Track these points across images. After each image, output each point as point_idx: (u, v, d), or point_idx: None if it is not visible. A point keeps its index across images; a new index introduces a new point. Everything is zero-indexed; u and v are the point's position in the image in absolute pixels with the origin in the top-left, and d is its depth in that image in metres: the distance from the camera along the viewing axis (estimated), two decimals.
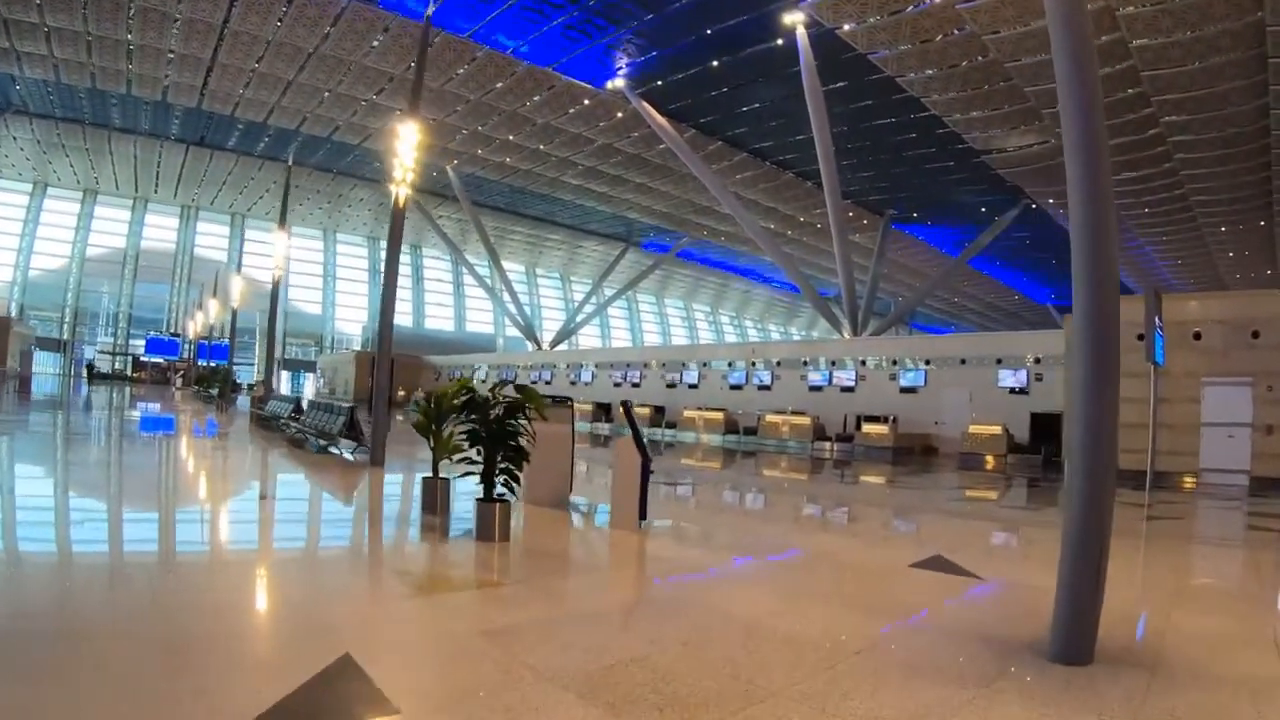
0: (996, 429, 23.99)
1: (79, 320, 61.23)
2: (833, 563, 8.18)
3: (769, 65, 30.38)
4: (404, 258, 70.05)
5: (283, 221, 31.28)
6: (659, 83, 32.93)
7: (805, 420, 28.67)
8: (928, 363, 29.44)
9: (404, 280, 72.05)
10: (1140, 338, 14.97)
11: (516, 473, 7.96)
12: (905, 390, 29.78)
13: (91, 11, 30.04)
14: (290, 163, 37.55)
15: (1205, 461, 17.90)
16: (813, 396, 32.37)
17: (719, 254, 65.60)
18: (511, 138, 40.48)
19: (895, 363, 30.49)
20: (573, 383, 45.56)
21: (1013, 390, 26.55)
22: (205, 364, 56.11)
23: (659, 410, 35.73)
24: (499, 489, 7.96)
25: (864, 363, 31.39)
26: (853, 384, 31.46)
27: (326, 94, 37.36)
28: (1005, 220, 42.79)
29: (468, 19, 29.68)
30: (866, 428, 26.81)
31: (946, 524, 11.83)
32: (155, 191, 59.11)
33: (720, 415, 32.17)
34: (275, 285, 30.61)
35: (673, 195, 47.58)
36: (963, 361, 28.39)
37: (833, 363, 32.45)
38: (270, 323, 31.64)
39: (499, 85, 34.38)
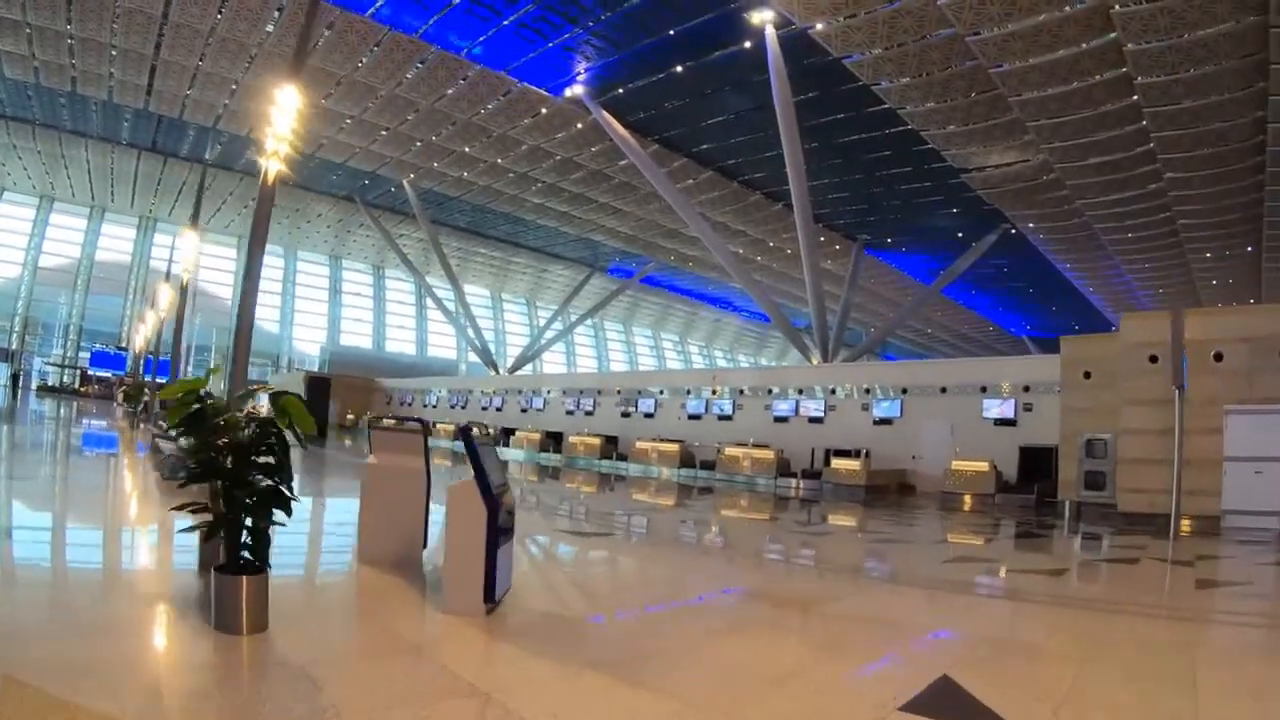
0: (983, 465, 21.68)
1: (29, 330, 58.92)
2: (776, 710, 4.47)
3: (736, 72, 28.51)
4: (364, 278, 68.81)
5: (195, 221, 29.09)
6: (620, 91, 31.00)
7: (768, 454, 26.17)
8: (904, 391, 26.97)
9: (364, 301, 71.50)
10: (1154, 359, 12.69)
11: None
12: (879, 422, 27.29)
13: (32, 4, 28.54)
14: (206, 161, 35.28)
15: (1229, 502, 15.44)
16: (778, 428, 30.00)
17: (688, 281, 63.58)
18: (468, 149, 38.49)
19: (868, 391, 28.03)
20: (524, 410, 43.02)
21: (999, 422, 24.17)
22: (150, 379, 52.78)
23: (610, 441, 33.30)
24: (277, 548, 5.35)
25: (834, 391, 28.96)
26: (821, 414, 29.05)
27: (313, 109, 34.86)
28: (983, 245, 40.93)
29: (418, 16, 27.72)
30: (836, 463, 24.20)
31: (946, 606, 8.06)
32: (112, 200, 57.14)
33: (676, 447, 29.61)
34: (184, 289, 28.35)
35: (637, 216, 45.60)
36: (943, 390, 25.99)
37: (800, 391, 30.05)
38: (176, 334, 29.33)
39: (450, 91, 32.41)
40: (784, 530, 14.58)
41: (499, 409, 45.11)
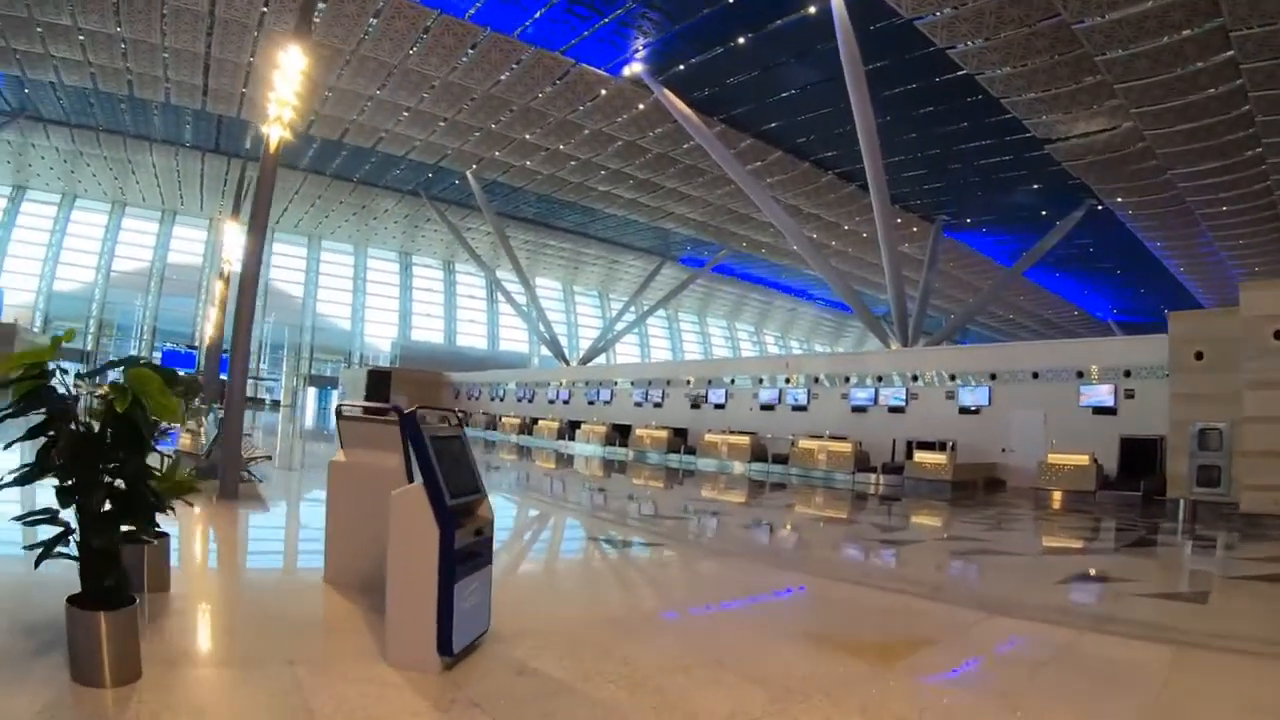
0: (1083, 459, 19.57)
1: (103, 331, 59.76)
2: None
3: (802, 40, 26.61)
4: (435, 274, 68.51)
5: (236, 211, 28.61)
6: (681, 67, 29.40)
7: (846, 447, 24.44)
8: (992, 377, 24.89)
9: (435, 296, 71.56)
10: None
11: (115, 543, 3.89)
12: (965, 411, 25.26)
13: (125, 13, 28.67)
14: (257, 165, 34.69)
15: None
16: (855, 419, 28.14)
17: (761, 269, 61.74)
18: (528, 137, 37.37)
19: (953, 378, 25.93)
20: (591, 402, 41.87)
21: (1097, 410, 22.09)
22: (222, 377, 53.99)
23: (679, 433, 31.88)
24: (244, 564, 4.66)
25: (915, 378, 27.04)
26: (902, 403, 27.09)
27: (368, 103, 35.29)
28: (1068, 224, 38.25)
29: None
30: (919, 456, 22.30)
31: (1078, 659, 5.61)
32: (181, 203, 57.94)
33: (747, 440, 27.91)
34: (226, 280, 27.99)
35: (706, 201, 44.00)
36: (1035, 375, 23.86)
37: (879, 378, 28.12)
38: (240, 328, 28.75)
39: (505, 75, 31.29)
40: (863, 537, 12.58)
41: (566, 401, 44.05)
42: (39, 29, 30.52)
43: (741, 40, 26.87)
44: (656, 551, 9.74)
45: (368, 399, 42.12)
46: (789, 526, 13.52)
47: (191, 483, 4.89)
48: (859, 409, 28.32)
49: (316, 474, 15.41)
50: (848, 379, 29.13)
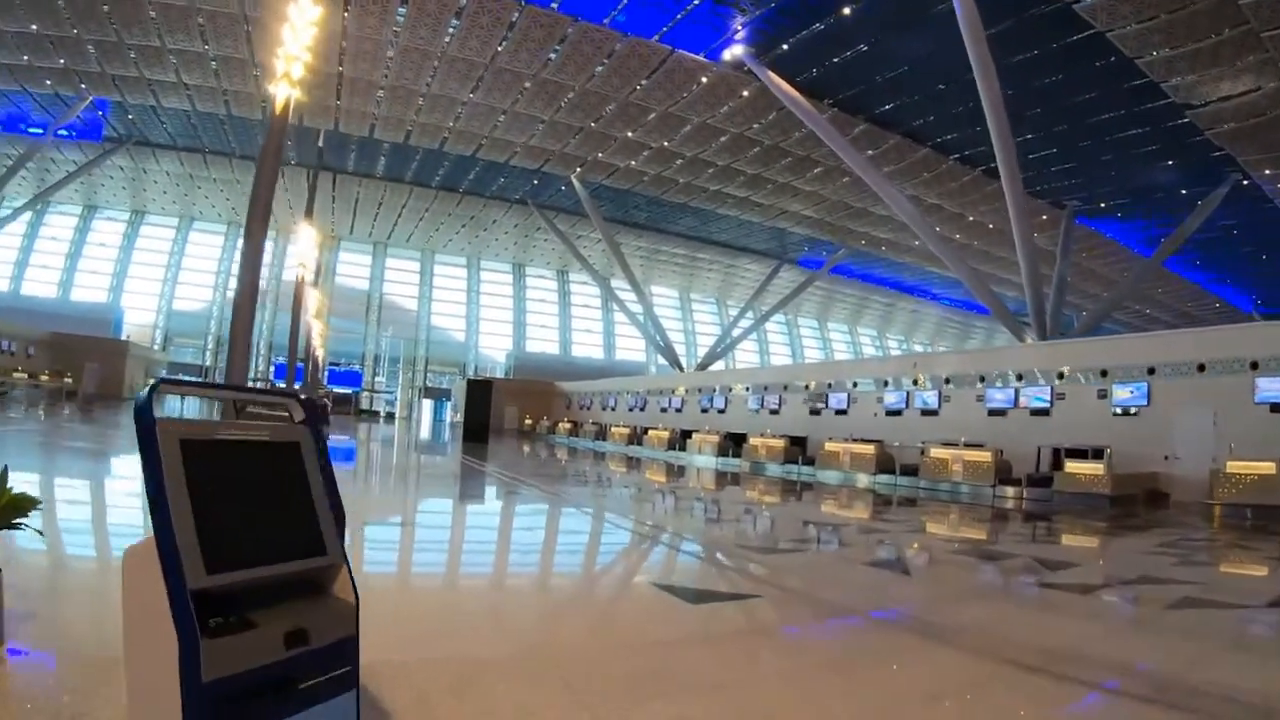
0: (1268, 467, 16.53)
1: (220, 347, 61.22)
2: None
3: (913, 4, 24.01)
4: (549, 284, 67.81)
5: (309, 213, 27.83)
6: (784, 47, 27.16)
7: (984, 456, 21.56)
8: (1150, 372, 21.75)
9: (550, 307, 70.97)
10: None
11: None
12: (1121, 412, 22.23)
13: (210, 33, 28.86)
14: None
15: None
16: (993, 423, 25.09)
17: (882, 269, 58.39)
18: (630, 134, 35.69)
19: (1104, 374, 22.70)
20: (704, 410, 39.70)
21: (1276, 408, 18.91)
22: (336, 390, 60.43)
23: (797, 442, 29.41)
24: None
25: (1061, 376, 23.99)
26: (1046, 404, 23.94)
27: (463, 105, 34.25)
28: (1211, 203, 33.91)
29: None
30: (1071, 466, 19.31)
31: None
32: (294, 221, 57.73)
33: (871, 449, 25.05)
34: (299, 285, 27.14)
35: (820, 196, 41.39)
36: (1200, 368, 20.68)
37: (1019, 377, 25.01)
38: (293, 333, 28.11)
39: (599, 69, 29.69)
40: (1027, 581, 8.87)
41: (678, 410, 42.07)
42: (131, 53, 30.40)
43: (847, 10, 24.41)
44: (743, 611, 6.58)
45: (468, 413, 40.91)
46: (925, 558, 10.51)
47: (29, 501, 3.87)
48: (997, 412, 25.30)
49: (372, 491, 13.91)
50: (982, 379, 26.14)
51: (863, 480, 24.27)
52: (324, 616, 2.84)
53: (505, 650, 4.81)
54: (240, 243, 44.13)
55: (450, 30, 28.05)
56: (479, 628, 5.43)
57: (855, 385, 31.14)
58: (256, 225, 9.59)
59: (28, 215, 55.87)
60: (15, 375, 40.63)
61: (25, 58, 31.73)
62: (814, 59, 27.62)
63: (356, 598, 2.99)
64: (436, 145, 39.47)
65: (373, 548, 8.80)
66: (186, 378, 4.13)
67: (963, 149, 33.58)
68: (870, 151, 32.86)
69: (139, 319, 60.25)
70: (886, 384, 29.62)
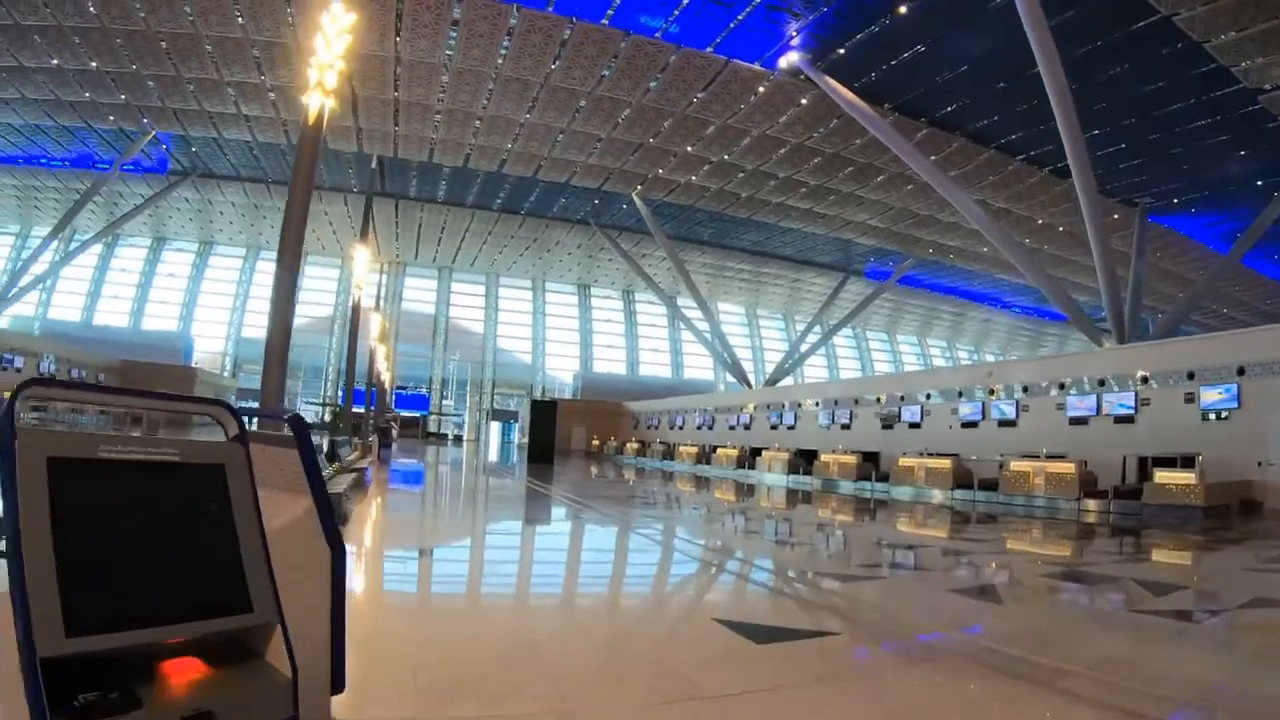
0: None
1: (290, 374, 61.07)
2: None
3: (971, 1, 23.14)
4: (616, 303, 67.58)
5: (364, 234, 27.91)
6: (840, 51, 26.49)
7: (1067, 468, 20.44)
8: (1240, 372, 20.49)
9: (616, 327, 70.68)
10: None
11: None
12: (1210, 416, 20.88)
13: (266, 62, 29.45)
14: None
15: None
16: (1075, 433, 23.82)
17: (950, 277, 56.76)
18: (689, 149, 35.24)
19: (1191, 376, 21.42)
20: (773, 426, 38.85)
21: None
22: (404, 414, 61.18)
23: (869, 458, 28.46)
24: None
25: (1145, 380, 22.75)
26: (1131, 410, 22.69)
27: (520, 126, 34.21)
28: None
29: (598, 1, 24.76)
30: (1160, 475, 18.17)
31: None
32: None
33: (947, 463, 23.93)
34: (355, 308, 27.11)
35: (885, 204, 40.43)
36: None
37: (1100, 383, 23.73)
38: (350, 356, 28.11)
39: (654, 83, 29.35)
40: (1125, 609, 7.79)
41: (747, 427, 41.29)
42: (190, 87, 30.80)
43: (903, 9, 23.65)
44: (817, 652, 5.64)
45: (533, 435, 40.57)
46: (1015, 583, 9.35)
47: None
48: (1078, 421, 24.06)
49: (427, 512, 13.46)
50: (1062, 386, 24.96)
51: (939, 496, 23.29)
52: (244, 693, 2.23)
53: (536, 708, 4.22)
54: (306, 269, 44.85)
55: (503, 50, 27.95)
56: (509, 676, 4.83)
57: (929, 397, 30.07)
58: (290, 246, 9.16)
59: (99, 248, 58.08)
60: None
61: (87, 94, 32.50)
62: (871, 62, 26.90)
63: (294, 668, 2.34)
64: (496, 167, 39.45)
65: (396, 581, 8.31)
66: (67, 379, 3.54)
67: (1029, 149, 32.42)
68: (934, 156, 31.79)
69: (210, 346, 62.06)
70: (961, 395, 28.53)
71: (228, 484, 2.50)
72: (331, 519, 2.98)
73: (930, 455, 25.31)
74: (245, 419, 3.32)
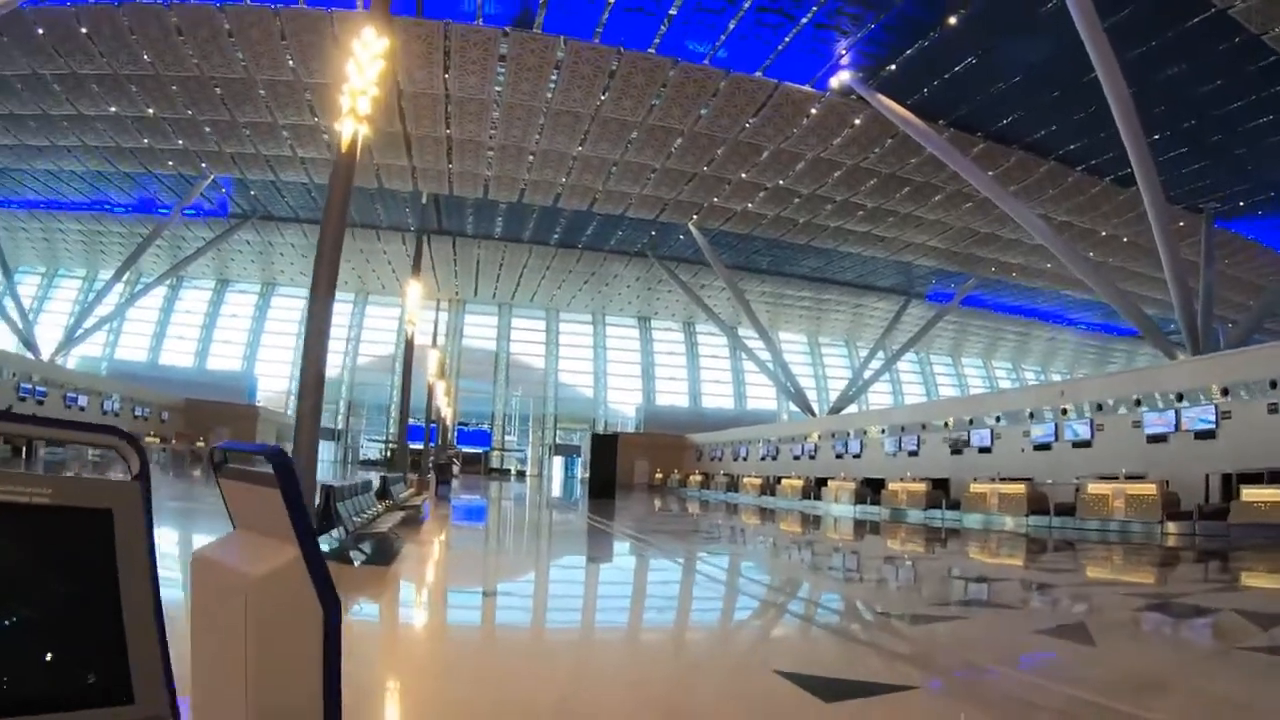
0: None
1: (352, 412, 64.14)
2: None
3: (1023, 5, 22.45)
4: (677, 335, 67.31)
5: (416, 269, 27.97)
6: (892, 68, 26.02)
7: (1148, 489, 19.54)
8: None
9: (677, 359, 70.26)
10: None
11: None
12: None
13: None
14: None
15: None
16: (1153, 451, 22.48)
17: (1013, 296, 55.07)
18: (744, 176, 34.84)
19: (1275, 385, 19.88)
20: (838, 455, 37.91)
21: None
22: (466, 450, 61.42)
23: (939, 485, 27.59)
24: None
25: (1225, 392, 21.51)
26: (1212, 425, 21.48)
27: (573, 159, 34.17)
28: None
29: (645, 27, 24.78)
30: (1249, 493, 17.22)
31: None
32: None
33: (1021, 488, 23.18)
34: (409, 344, 27.13)
35: (945, 224, 39.49)
36: None
37: (1179, 397, 22.46)
38: (404, 392, 28.06)
39: (705, 111, 29.02)
40: (1233, 649, 7.01)
41: (812, 456, 40.41)
42: (246, 131, 31.27)
43: (952, 20, 23.08)
44: (892, 713, 4.77)
45: (594, 469, 40.10)
46: (1106, 619, 8.36)
47: None
48: (1156, 438, 22.77)
49: (488, 550, 13.09)
50: (1138, 402, 23.81)
51: (1014, 523, 22.45)
52: None
53: None
54: (366, 309, 45.66)
55: (551, 84, 27.97)
56: None
57: (999, 420, 28.96)
58: (323, 280, 8.90)
59: (164, 290, 60.18)
60: (148, 439, 41.87)
61: (146, 140, 33.32)
62: (923, 77, 26.35)
63: None
64: (551, 202, 39.45)
65: (429, 625, 7.94)
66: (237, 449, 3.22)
67: (1089, 158, 31.31)
68: (992, 171, 30.88)
69: (274, 385, 63.40)
70: (1032, 416, 27.39)
71: (114, 534, 1.94)
72: (323, 571, 2.57)
73: (1002, 480, 24.46)
74: (225, 454, 2.99)
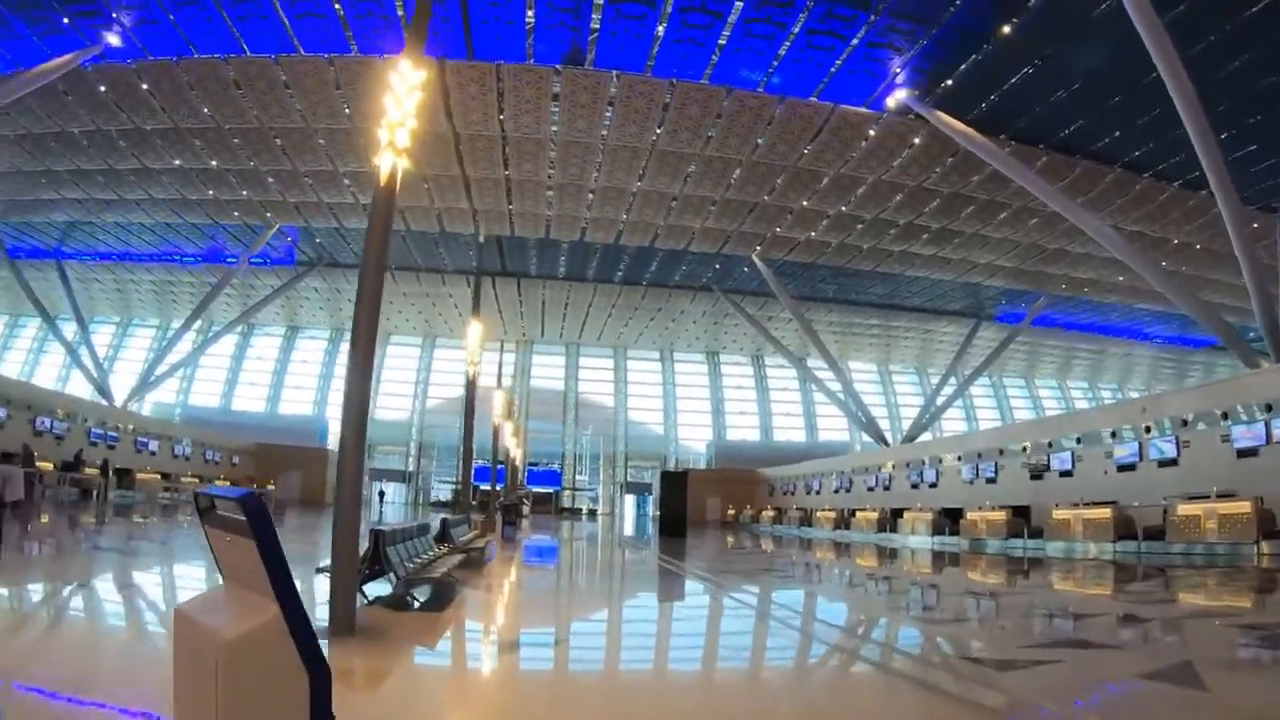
0: None
1: (423, 453, 65.21)
2: None
3: (1077, 8, 21.63)
4: (746, 369, 66.80)
5: (475, 309, 27.98)
6: (948, 82, 25.40)
7: (1241, 507, 18.47)
8: None
9: (747, 393, 69.61)
10: None
11: None
12: None
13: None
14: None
15: None
16: (1244, 467, 21.01)
17: (1087, 313, 53.42)
18: (805, 204, 34.41)
19: None
20: (914, 485, 36.87)
21: None
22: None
23: (1019, 513, 26.59)
24: None
25: None
26: None
27: (633, 196, 34.18)
28: None
29: (696, 56, 24.63)
30: None
31: None
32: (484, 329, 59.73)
33: (1106, 513, 22.07)
34: (470, 384, 27.05)
35: (1013, 241, 38.36)
36: None
37: (1268, 407, 20.89)
38: (467, 433, 27.84)
39: (761, 139, 28.74)
40: None
41: (887, 487, 39.35)
42: (307, 180, 31.76)
43: (1006, 29, 22.47)
44: None
45: (664, 507, 39.54)
46: (1214, 658, 7.49)
47: None
48: (1247, 453, 21.27)
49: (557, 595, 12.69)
50: (1224, 415, 22.54)
51: (1100, 550, 21.44)
52: None
53: None
54: (435, 352, 46.08)
55: (606, 120, 27.90)
56: None
57: (1079, 441, 27.71)
58: (364, 321, 8.69)
59: (236, 338, 62.41)
60: (218, 482, 42.88)
61: (211, 192, 34.14)
62: (981, 91, 25.69)
63: None
64: (613, 239, 39.41)
65: (474, 675, 7.55)
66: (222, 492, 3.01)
67: (1155, 163, 30.13)
68: (1058, 183, 29.69)
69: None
70: (1114, 436, 26.16)
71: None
72: (307, 631, 2.27)
73: (1087, 505, 23.45)
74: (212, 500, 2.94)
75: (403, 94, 9.64)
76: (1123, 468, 25.41)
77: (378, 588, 9.91)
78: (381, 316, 33.07)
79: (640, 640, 9.82)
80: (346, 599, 7.68)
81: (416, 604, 9.85)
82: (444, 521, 15.54)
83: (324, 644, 7.08)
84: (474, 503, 43.02)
